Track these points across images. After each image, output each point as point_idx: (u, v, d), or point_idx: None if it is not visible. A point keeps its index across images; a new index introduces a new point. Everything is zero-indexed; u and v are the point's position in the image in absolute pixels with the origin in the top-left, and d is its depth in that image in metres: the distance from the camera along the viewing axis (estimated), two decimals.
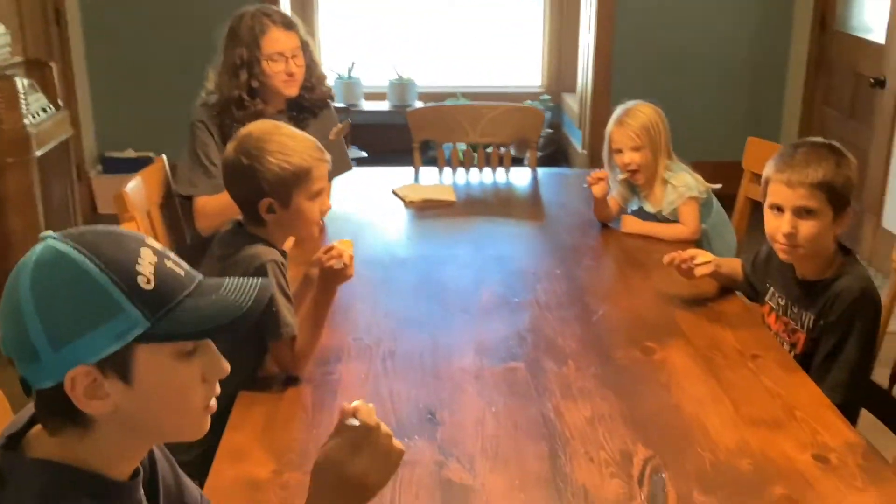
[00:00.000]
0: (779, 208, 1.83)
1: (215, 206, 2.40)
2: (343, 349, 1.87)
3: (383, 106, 5.58)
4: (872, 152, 4.08)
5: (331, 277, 1.75)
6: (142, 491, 1.04)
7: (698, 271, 2.04)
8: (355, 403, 1.06)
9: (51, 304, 0.89)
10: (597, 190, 2.50)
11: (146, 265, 0.92)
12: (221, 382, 1.69)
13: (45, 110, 3.75)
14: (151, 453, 1.15)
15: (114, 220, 1.90)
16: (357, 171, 3.04)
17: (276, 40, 2.50)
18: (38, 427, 0.97)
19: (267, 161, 1.77)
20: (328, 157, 1.87)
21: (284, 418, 1.64)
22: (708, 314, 2.06)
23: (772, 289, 2.01)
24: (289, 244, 2.00)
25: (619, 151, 2.52)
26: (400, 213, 2.78)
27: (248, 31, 2.50)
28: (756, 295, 2.11)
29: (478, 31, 5.92)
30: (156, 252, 0.94)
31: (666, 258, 2.10)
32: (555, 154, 5.72)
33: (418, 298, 2.16)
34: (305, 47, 2.61)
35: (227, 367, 1.00)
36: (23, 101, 3.47)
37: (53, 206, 3.79)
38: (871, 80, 4.07)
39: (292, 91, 2.57)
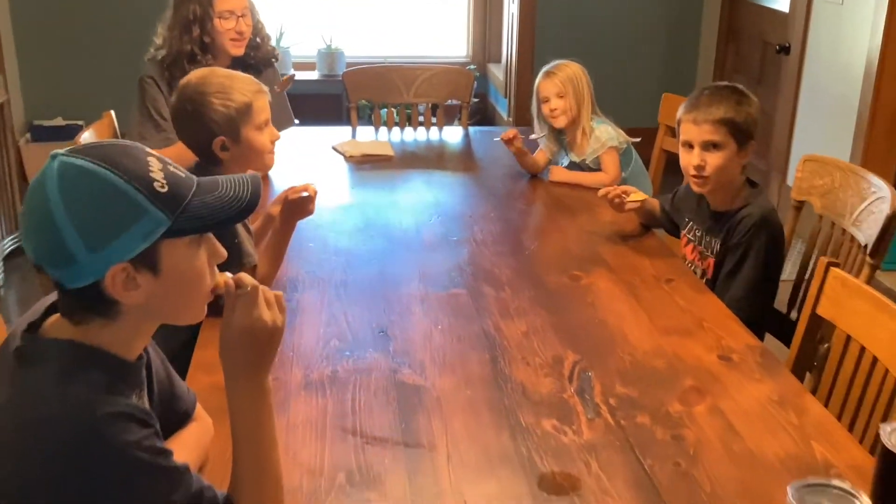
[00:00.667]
0: (689, 145, 2.07)
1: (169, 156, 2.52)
2: (298, 280, 2.03)
3: (312, 75, 5.68)
4: (778, 115, 4.38)
5: (293, 211, 1.92)
6: (144, 372, 1.19)
7: (629, 206, 2.26)
8: (227, 275, 1.16)
9: (84, 213, 1.02)
10: (513, 148, 2.75)
11: (157, 171, 1.06)
12: None
13: None
14: (146, 350, 1.30)
15: None
16: (297, 130, 3.18)
17: (227, 0, 2.62)
18: (56, 316, 1.11)
19: (210, 103, 1.90)
20: (266, 88, 2.01)
21: None
22: (628, 247, 2.29)
23: (689, 222, 2.24)
24: None
25: (546, 100, 2.73)
26: (341, 166, 2.94)
27: None
28: (675, 229, 2.34)
29: (405, 1, 6.06)
30: (159, 159, 1.09)
31: (601, 192, 2.32)
32: (481, 122, 5.93)
33: (364, 238, 2.33)
34: (252, 8, 2.74)
35: (224, 252, 1.16)
36: None
37: None
38: (777, 48, 4.36)
39: (239, 50, 2.70)
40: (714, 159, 2.05)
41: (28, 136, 5.05)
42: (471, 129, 3.41)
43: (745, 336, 1.82)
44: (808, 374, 1.87)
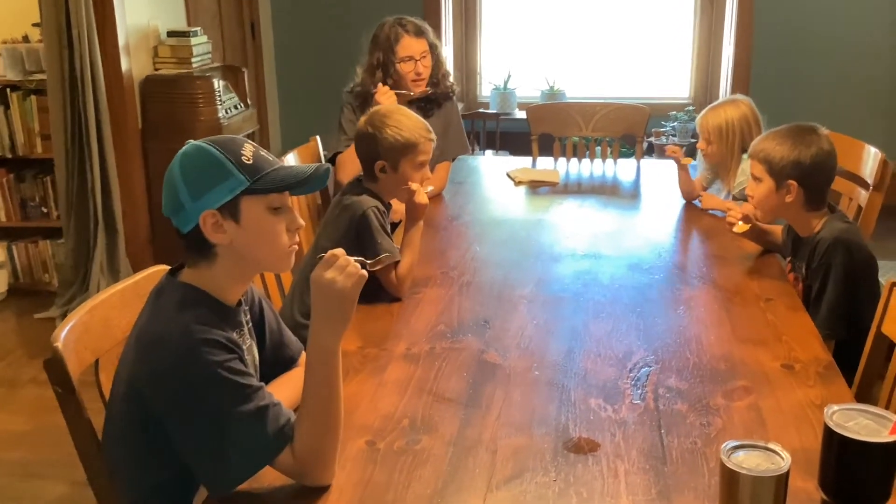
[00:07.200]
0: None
1: (348, 157, 2.96)
2: (431, 278, 2.38)
3: None
4: None
5: (413, 208, 2.27)
6: (244, 317, 1.57)
7: (736, 229, 2.40)
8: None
9: (191, 174, 1.43)
10: (677, 160, 2.96)
11: (247, 151, 1.45)
12: None
13: (236, 107, 4.51)
14: (262, 308, 1.69)
15: None
16: (481, 158, 3.55)
17: (408, 46, 3.06)
18: (186, 267, 1.53)
19: (385, 132, 2.31)
20: (434, 137, 2.38)
21: (375, 317, 2.15)
22: (742, 269, 2.42)
23: (789, 249, 2.35)
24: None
25: (697, 137, 2.91)
26: (508, 189, 3.27)
27: (386, 38, 3.08)
28: None
29: (630, 42, 6.27)
30: (254, 146, 1.48)
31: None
32: None
33: (502, 247, 2.63)
34: (433, 49, 3.14)
35: (302, 222, 1.52)
36: (218, 99, 4.23)
37: None
38: None
39: (419, 89, 3.11)
40: (756, 192, 2.27)
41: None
42: (643, 161, 3.60)
43: (817, 350, 1.92)
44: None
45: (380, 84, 3.00)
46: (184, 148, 1.48)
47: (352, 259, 1.42)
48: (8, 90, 4.15)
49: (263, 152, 1.49)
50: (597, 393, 1.76)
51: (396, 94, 3.00)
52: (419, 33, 3.09)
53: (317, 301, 1.42)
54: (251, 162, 1.44)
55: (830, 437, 1.26)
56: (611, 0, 6.18)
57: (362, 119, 2.38)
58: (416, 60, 3.06)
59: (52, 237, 4.30)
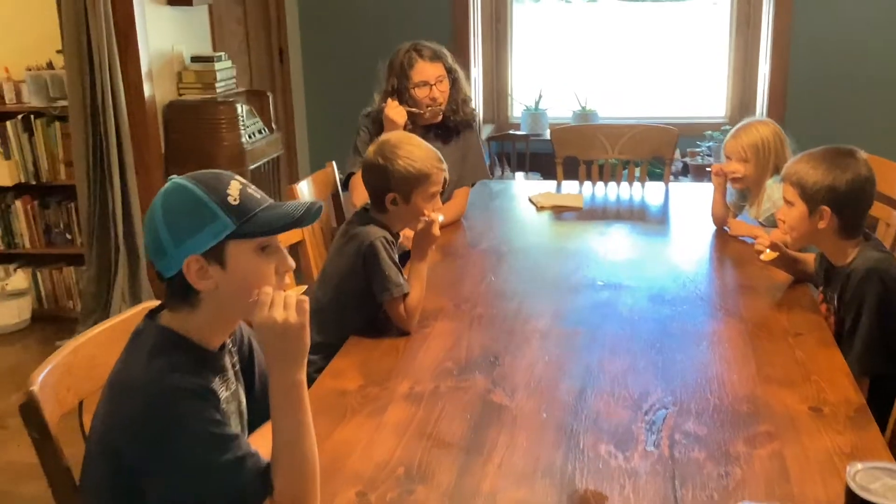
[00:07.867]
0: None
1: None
2: (442, 310, 2.28)
3: None
4: None
5: (421, 239, 2.18)
6: (229, 360, 1.48)
7: (763, 257, 2.27)
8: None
9: (173, 216, 1.35)
10: (716, 181, 2.80)
11: (234, 190, 1.36)
12: (335, 331, 2.13)
13: (260, 132, 4.46)
14: (251, 349, 1.60)
15: None
16: (502, 182, 3.45)
17: (422, 71, 2.98)
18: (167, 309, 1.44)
19: (397, 163, 2.22)
20: (445, 167, 2.29)
21: (380, 355, 2.06)
22: (770, 301, 2.29)
23: (821, 279, 2.22)
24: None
25: (728, 159, 2.77)
26: (530, 214, 3.16)
27: (400, 64, 3.00)
28: None
29: (664, 61, 6.14)
30: (241, 183, 1.39)
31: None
32: None
33: (519, 277, 2.53)
34: (451, 74, 3.05)
35: (292, 263, 1.43)
36: (241, 124, 4.18)
37: None
38: None
39: (435, 118, 3.02)
40: (788, 216, 2.14)
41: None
42: (672, 185, 3.48)
43: (848, 391, 1.79)
44: None
45: (389, 99, 2.92)
46: (166, 186, 1.40)
47: (269, 290, 1.35)
48: (32, 117, 4.15)
49: (251, 189, 1.40)
50: (608, 438, 1.65)
51: (407, 110, 2.93)
52: (435, 58, 3.00)
53: (273, 344, 1.35)
54: (237, 203, 1.36)
55: (853, 500, 1.13)
56: (644, 18, 6.07)
57: (371, 149, 2.29)
58: (432, 85, 2.97)
59: (76, 264, 4.28)
